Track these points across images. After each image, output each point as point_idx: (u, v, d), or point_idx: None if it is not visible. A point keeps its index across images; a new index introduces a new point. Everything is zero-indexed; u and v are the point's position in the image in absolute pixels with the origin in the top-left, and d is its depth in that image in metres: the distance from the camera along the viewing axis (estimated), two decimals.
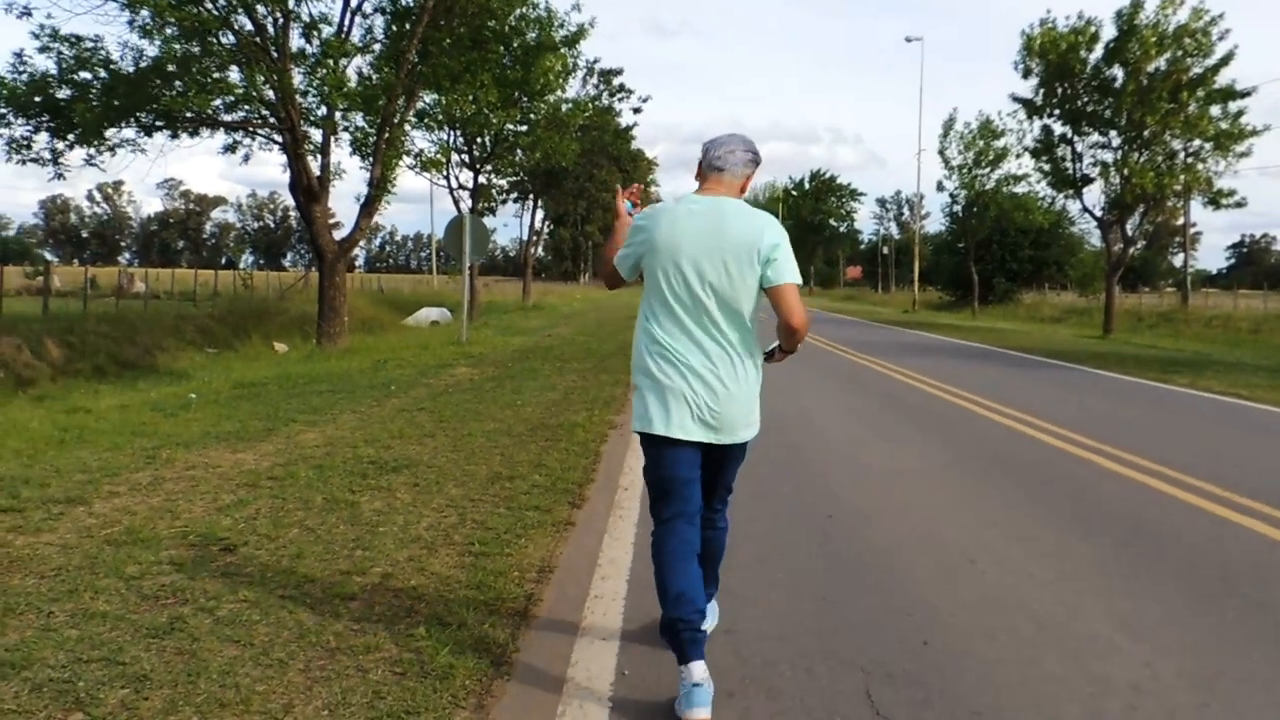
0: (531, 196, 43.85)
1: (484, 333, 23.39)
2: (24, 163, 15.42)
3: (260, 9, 15.64)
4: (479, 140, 30.99)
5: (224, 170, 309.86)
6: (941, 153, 44.44)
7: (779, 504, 6.08)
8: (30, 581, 4.17)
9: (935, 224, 77.75)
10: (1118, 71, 27.13)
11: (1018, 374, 15.54)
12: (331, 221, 18.91)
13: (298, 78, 16.53)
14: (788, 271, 3.28)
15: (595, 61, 36.98)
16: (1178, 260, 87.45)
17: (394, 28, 18.58)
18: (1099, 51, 27.57)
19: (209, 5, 15.00)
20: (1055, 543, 5.29)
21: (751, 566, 4.70)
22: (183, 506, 5.53)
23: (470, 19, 18.36)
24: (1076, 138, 29.21)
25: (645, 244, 3.34)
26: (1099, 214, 29.53)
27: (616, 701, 3.21)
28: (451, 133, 29.80)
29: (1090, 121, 28.31)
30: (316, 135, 17.57)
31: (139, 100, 15.14)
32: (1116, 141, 27.89)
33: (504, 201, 40.70)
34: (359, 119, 18.48)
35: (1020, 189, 42.88)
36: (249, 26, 15.92)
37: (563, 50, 22.36)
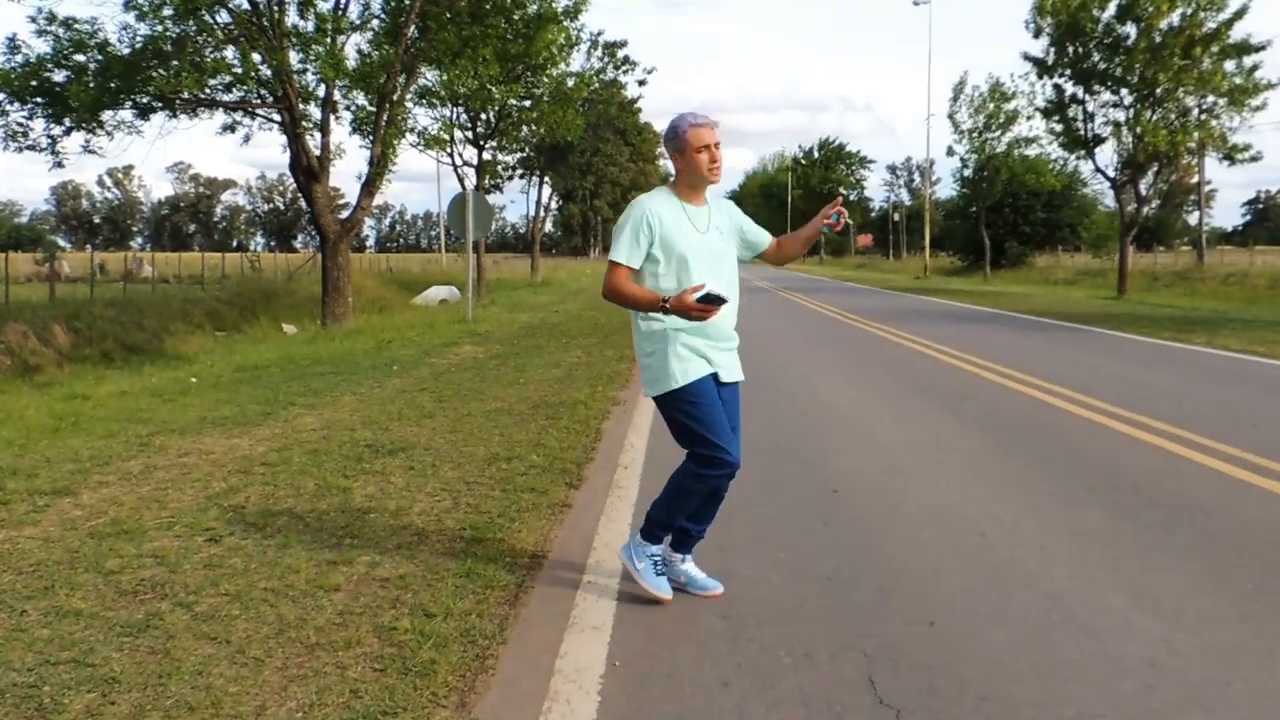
0: (538, 172, 43.54)
1: (491, 310, 23.24)
2: (21, 150, 15.26)
3: None
4: (483, 116, 30.72)
5: (235, 153, 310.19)
6: (952, 117, 43.94)
7: (780, 478, 5.92)
8: (7, 578, 4.04)
9: (946, 189, 77.12)
10: (1130, 28, 26.62)
11: (1030, 338, 15.30)
12: (340, 202, 18.78)
13: (294, 56, 16.31)
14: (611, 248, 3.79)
15: (599, 34, 36.52)
16: (1193, 218, 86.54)
17: (391, 3, 18.32)
18: (1111, 9, 27.01)
19: None
20: (1068, 513, 5.11)
21: (749, 546, 4.54)
22: (171, 496, 5.40)
23: None
24: (1088, 97, 28.75)
25: None
26: (1112, 174, 29.12)
27: (606, 695, 3.05)
28: (454, 109, 29.53)
29: (1102, 80, 27.82)
30: (316, 114, 17.38)
31: (135, 82, 14.96)
32: (1129, 100, 27.42)
33: (510, 178, 40.45)
34: (360, 98, 18.30)
35: (1031, 151, 42.43)
36: (244, 4, 15.71)
37: (564, 22, 22.03)
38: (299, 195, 21.16)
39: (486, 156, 32.06)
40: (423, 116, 48.63)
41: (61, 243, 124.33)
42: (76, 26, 14.89)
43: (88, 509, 5.13)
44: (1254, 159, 26.39)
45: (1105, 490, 5.62)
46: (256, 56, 15.55)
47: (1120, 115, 27.82)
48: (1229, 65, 25.37)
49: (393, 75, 17.09)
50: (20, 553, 4.38)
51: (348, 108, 18.38)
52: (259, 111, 17.14)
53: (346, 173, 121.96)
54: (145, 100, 15.55)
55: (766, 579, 4.12)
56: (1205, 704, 2.98)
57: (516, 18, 20.37)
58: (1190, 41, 25.20)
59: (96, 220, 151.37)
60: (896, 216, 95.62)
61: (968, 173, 46.82)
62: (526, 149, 38.29)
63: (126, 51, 15.12)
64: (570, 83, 28.56)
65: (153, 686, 3.04)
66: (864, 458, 6.60)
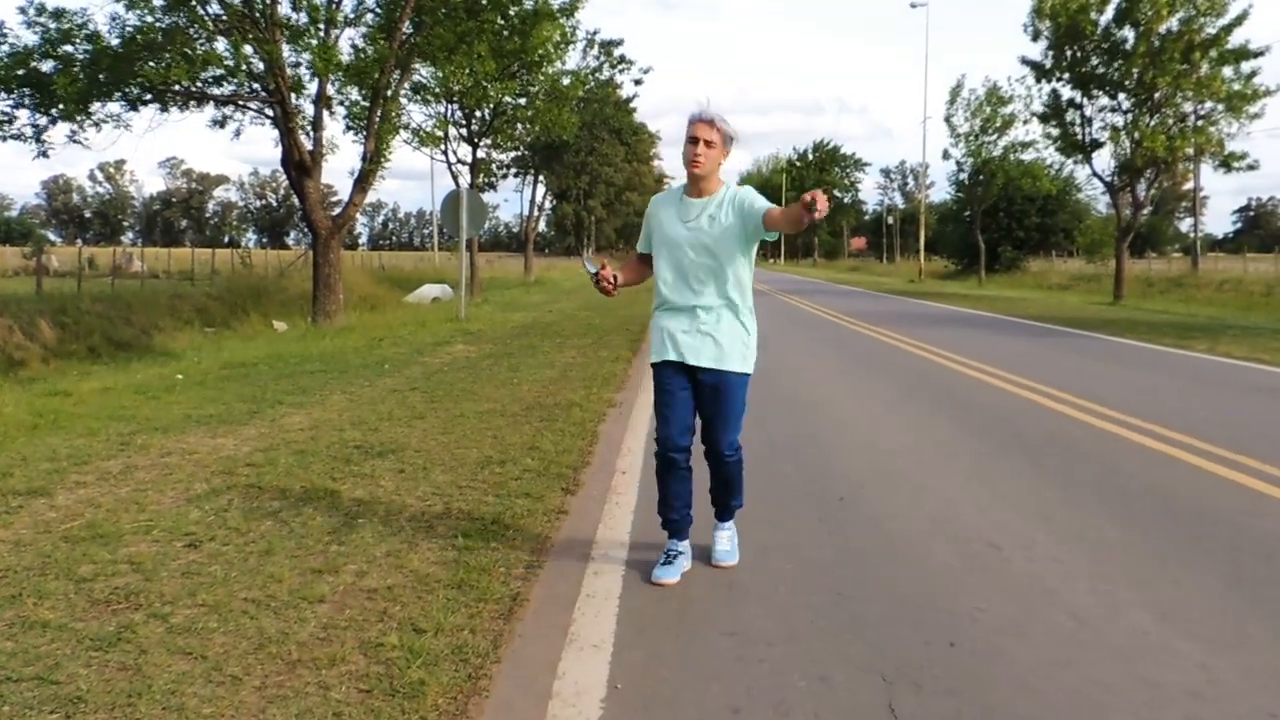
0: (532, 171, 43.27)
1: (484, 309, 23.01)
2: (4, 139, 14.98)
3: None
4: (477, 114, 30.47)
5: (227, 148, 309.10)
6: (948, 120, 43.76)
7: (780, 484, 5.71)
8: None
9: (941, 193, 77.14)
10: (1129, 32, 26.47)
11: (1031, 343, 15.13)
12: (333, 198, 18.60)
13: (286, 49, 16.05)
14: None
15: (595, 33, 36.26)
16: (1184, 225, 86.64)
17: None
18: (1110, 13, 26.87)
19: None
20: (1081, 524, 4.92)
21: (755, 557, 4.33)
22: (151, 498, 5.17)
23: None
24: (1086, 101, 28.60)
25: None
26: (1108, 179, 28.98)
27: None
28: (449, 106, 29.29)
29: (1100, 84, 27.68)
30: (309, 109, 17.13)
31: (124, 74, 14.69)
32: (1127, 104, 27.29)
33: (505, 176, 40.20)
34: (355, 93, 18.04)
35: (1028, 155, 42.28)
36: None
37: (560, 19, 21.81)
38: (291, 191, 20.90)
39: (481, 154, 31.80)
40: (417, 113, 48.26)
41: (52, 237, 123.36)
42: (67, 18, 14.63)
43: (63, 511, 4.91)
44: (1251, 167, 26.26)
45: (1118, 499, 5.43)
46: (248, 49, 15.28)
47: (1118, 120, 27.72)
48: (1227, 71, 25.27)
49: (387, 70, 16.84)
50: None
51: (341, 103, 18.15)
52: (251, 106, 16.88)
53: (339, 169, 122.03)
54: (135, 92, 15.28)
55: (774, 593, 3.91)
56: None
57: (512, 13, 20.13)
58: (1189, 46, 25.07)
59: (87, 215, 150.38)
60: (890, 220, 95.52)
61: (963, 176, 46.71)
62: (521, 147, 38.05)
63: (116, 42, 14.85)
64: (566, 81, 28.35)
65: (121, 707, 2.82)
66: (867, 464, 6.40)
